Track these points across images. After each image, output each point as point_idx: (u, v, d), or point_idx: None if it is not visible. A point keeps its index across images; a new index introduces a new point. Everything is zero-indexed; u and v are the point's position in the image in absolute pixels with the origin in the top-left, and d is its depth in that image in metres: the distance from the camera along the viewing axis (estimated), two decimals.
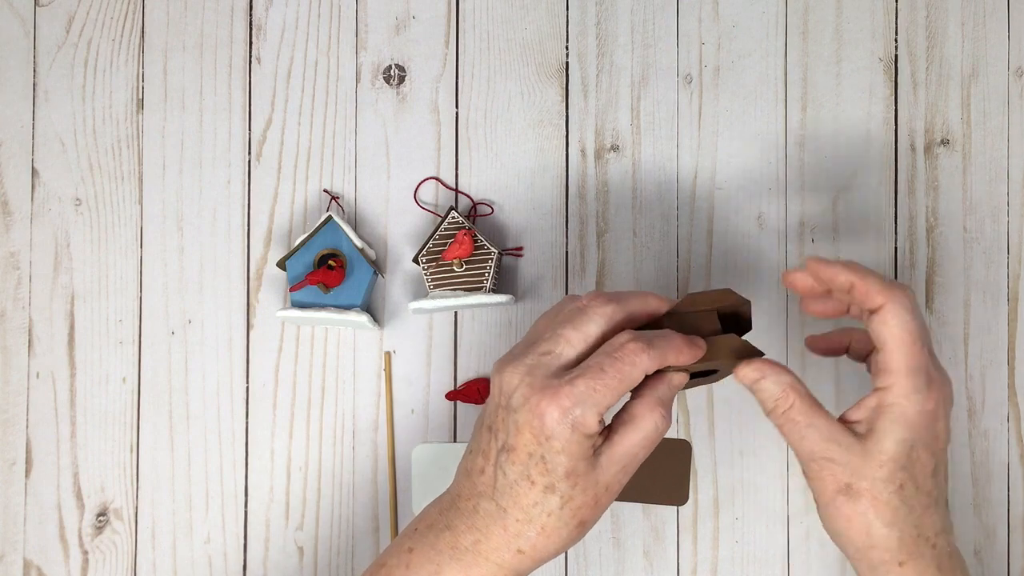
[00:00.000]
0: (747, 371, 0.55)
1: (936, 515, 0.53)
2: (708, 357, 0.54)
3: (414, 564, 0.54)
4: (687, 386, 0.57)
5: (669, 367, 0.54)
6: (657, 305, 0.56)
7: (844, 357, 0.62)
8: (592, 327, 0.53)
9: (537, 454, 0.51)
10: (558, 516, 0.52)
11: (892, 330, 0.52)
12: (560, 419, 0.50)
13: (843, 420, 0.54)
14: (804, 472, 0.55)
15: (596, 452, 0.52)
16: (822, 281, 0.55)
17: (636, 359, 0.51)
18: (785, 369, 0.54)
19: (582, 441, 0.51)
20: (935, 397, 0.52)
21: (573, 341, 0.53)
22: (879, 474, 0.52)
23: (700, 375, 0.57)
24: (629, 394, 0.54)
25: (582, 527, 0.53)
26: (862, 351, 0.60)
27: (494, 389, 0.53)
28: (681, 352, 0.53)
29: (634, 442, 0.53)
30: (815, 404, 0.54)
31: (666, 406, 0.53)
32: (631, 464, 0.53)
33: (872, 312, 0.53)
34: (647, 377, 0.53)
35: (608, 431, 0.53)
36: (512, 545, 0.52)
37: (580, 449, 0.51)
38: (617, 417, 0.54)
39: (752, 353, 0.55)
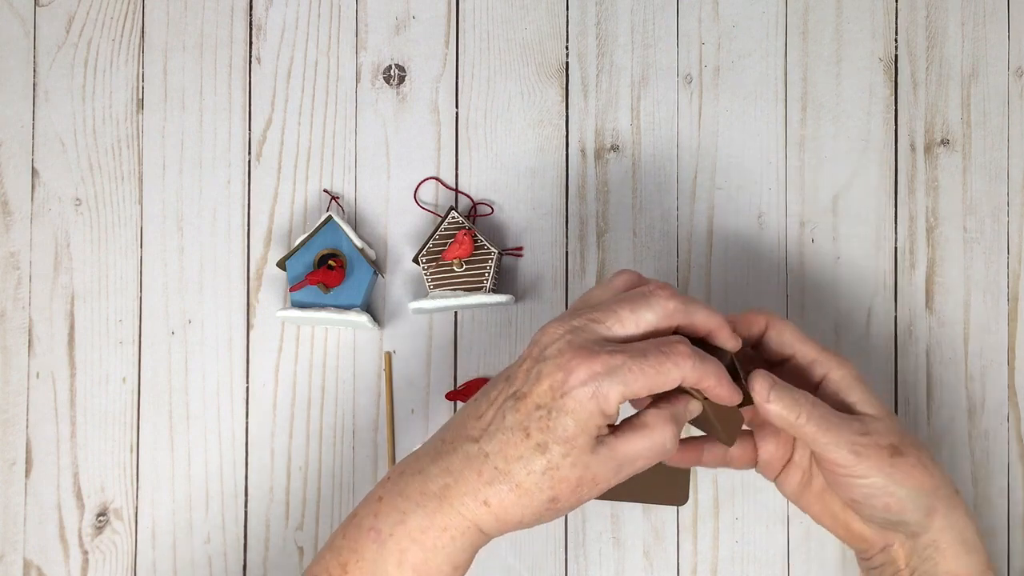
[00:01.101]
0: (770, 403, 0.54)
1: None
2: (722, 417, 0.55)
3: (381, 513, 0.52)
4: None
5: (693, 392, 0.53)
6: (719, 332, 0.55)
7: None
8: (649, 315, 0.52)
9: (545, 407, 0.50)
10: (536, 480, 0.50)
11: (794, 335, 0.58)
12: (585, 381, 0.49)
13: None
14: (846, 465, 0.55)
15: (599, 440, 0.51)
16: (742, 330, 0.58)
17: (681, 362, 0.51)
18: (791, 388, 0.55)
19: (594, 414, 0.50)
20: (836, 357, 0.57)
21: (625, 321, 0.52)
22: (893, 424, 0.56)
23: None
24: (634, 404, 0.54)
25: (553, 505, 0.51)
26: (716, 457, 0.60)
27: (531, 344, 0.52)
28: (721, 386, 0.52)
29: (638, 447, 0.52)
30: (829, 407, 0.55)
31: (679, 425, 0.53)
32: (626, 467, 0.52)
33: (766, 333, 0.58)
34: (667, 392, 0.52)
35: (615, 430, 0.52)
36: (480, 494, 0.50)
37: (588, 421, 0.50)
38: (627, 420, 0.53)
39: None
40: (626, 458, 0.51)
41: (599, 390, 0.49)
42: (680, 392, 0.53)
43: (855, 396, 0.57)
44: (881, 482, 0.55)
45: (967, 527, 0.56)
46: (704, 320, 0.54)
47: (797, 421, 0.54)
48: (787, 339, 0.57)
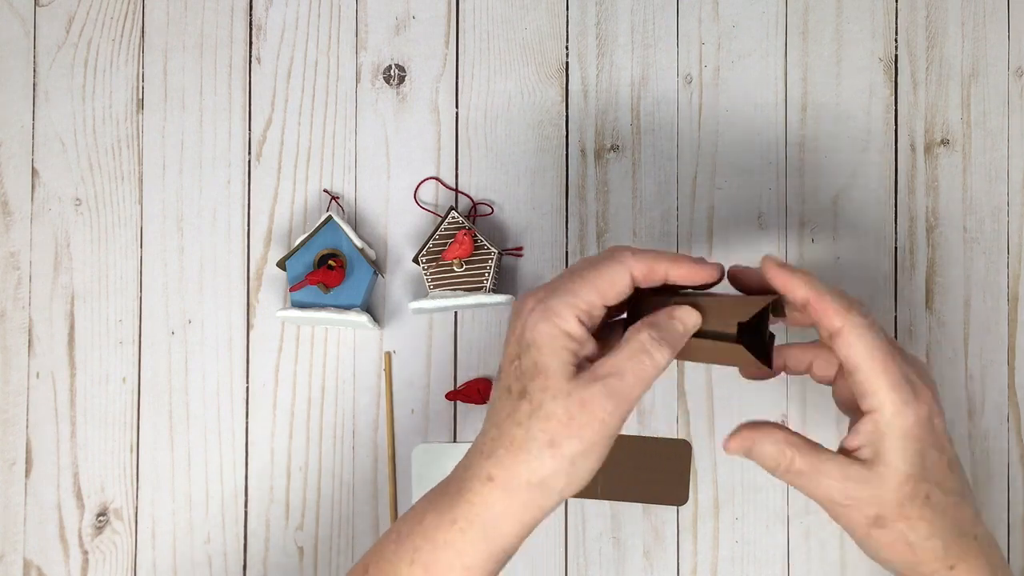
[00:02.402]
0: (734, 445, 0.52)
1: (967, 507, 0.51)
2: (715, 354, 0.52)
3: (406, 518, 0.52)
4: (706, 358, 0.53)
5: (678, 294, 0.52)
6: (681, 270, 0.52)
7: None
8: (606, 274, 0.51)
9: (514, 355, 0.49)
10: (526, 428, 0.48)
11: (861, 353, 0.50)
12: (533, 308, 0.49)
13: (845, 451, 0.52)
14: (829, 514, 0.52)
15: (578, 367, 0.49)
16: (778, 288, 0.52)
17: (619, 255, 0.50)
18: (772, 427, 0.52)
19: (555, 336, 0.48)
20: (925, 399, 0.50)
21: (588, 276, 0.51)
22: (902, 495, 0.50)
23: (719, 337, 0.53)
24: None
25: (554, 449, 0.48)
26: (826, 375, 0.56)
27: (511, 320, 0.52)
28: (679, 265, 0.50)
29: (621, 362, 0.49)
30: (815, 450, 0.51)
31: (665, 335, 0.50)
32: (619, 390, 0.48)
33: (832, 335, 0.51)
34: (654, 307, 0.51)
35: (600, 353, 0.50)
36: (483, 470, 0.49)
37: (552, 345, 0.48)
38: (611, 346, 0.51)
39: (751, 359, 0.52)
40: (613, 376, 0.48)
41: (548, 309, 0.48)
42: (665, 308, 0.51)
43: (888, 446, 0.50)
44: (861, 546, 0.52)
45: None
46: (664, 265, 0.51)
47: (787, 468, 0.51)
48: (853, 360, 0.50)
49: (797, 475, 0.51)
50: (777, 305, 0.53)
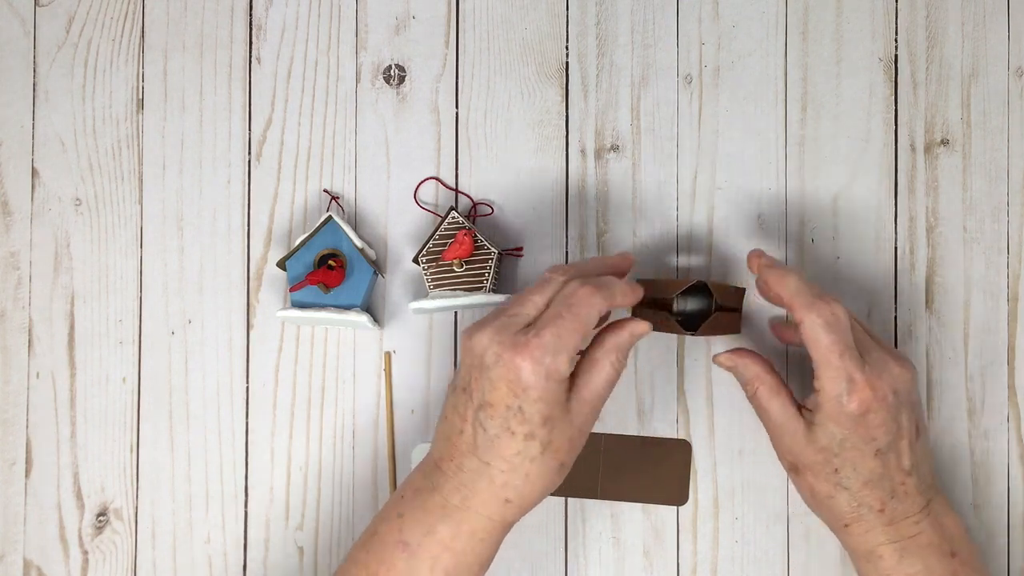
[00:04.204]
0: (723, 358, 0.63)
1: (879, 489, 0.58)
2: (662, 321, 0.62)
3: (406, 528, 0.57)
4: (679, 331, 0.63)
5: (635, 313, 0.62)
6: (616, 262, 0.62)
7: None
8: (549, 289, 0.58)
9: (515, 406, 0.54)
10: (540, 461, 0.55)
11: (809, 342, 0.58)
12: (534, 370, 0.54)
13: (803, 405, 0.60)
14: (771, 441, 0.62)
15: (568, 397, 0.56)
16: (762, 283, 0.62)
17: (590, 300, 0.56)
18: (757, 359, 0.62)
19: (556, 387, 0.55)
20: (861, 398, 0.57)
21: (537, 302, 0.57)
22: (816, 459, 0.59)
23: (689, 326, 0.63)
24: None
25: (562, 469, 0.57)
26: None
27: (465, 354, 0.57)
28: (626, 295, 0.59)
29: (598, 384, 0.57)
30: (779, 391, 0.61)
31: (622, 351, 0.58)
32: (598, 404, 0.58)
33: (797, 325, 0.59)
34: (610, 325, 0.59)
35: (573, 377, 0.57)
36: (500, 495, 0.56)
37: (555, 395, 0.55)
38: (579, 366, 0.58)
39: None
40: (593, 397, 0.57)
41: (549, 368, 0.54)
42: (620, 321, 0.59)
43: (818, 419, 0.59)
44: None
45: (868, 544, 0.59)
46: (596, 268, 0.61)
47: (751, 395, 0.62)
48: (809, 347, 0.58)
49: (757, 404, 0.61)
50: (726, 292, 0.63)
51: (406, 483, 0.59)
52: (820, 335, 0.57)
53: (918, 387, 0.61)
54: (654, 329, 0.62)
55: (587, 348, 0.59)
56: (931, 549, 0.59)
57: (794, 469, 0.61)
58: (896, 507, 0.59)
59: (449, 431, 0.57)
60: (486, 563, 0.58)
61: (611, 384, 0.58)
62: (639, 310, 0.64)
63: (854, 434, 0.58)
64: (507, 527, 0.57)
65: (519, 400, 0.54)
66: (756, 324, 0.69)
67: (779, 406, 0.60)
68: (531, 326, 0.56)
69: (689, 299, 0.63)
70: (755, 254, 0.63)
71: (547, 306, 0.57)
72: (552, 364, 0.54)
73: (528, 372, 0.54)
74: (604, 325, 0.60)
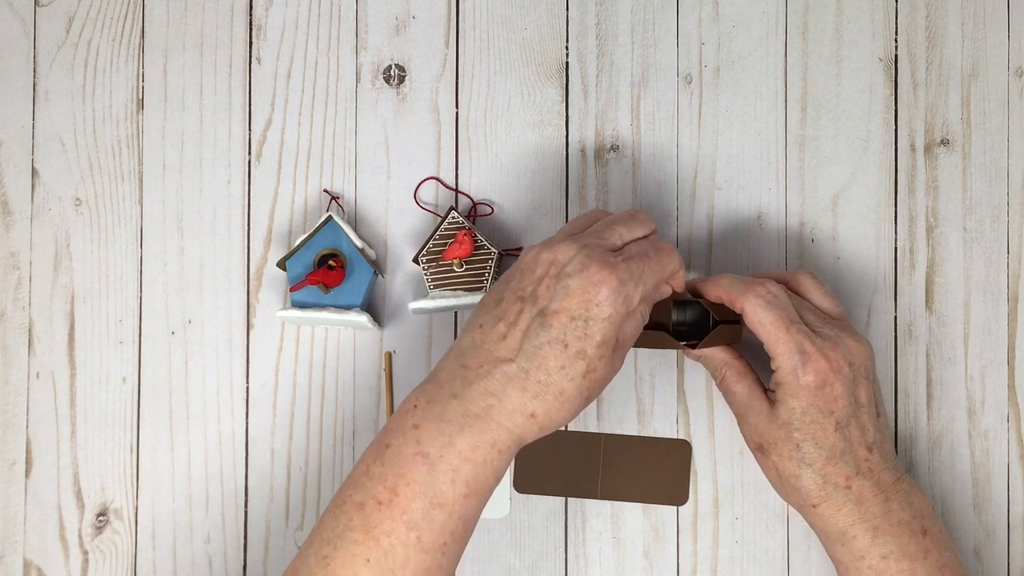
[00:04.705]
0: (693, 351, 0.64)
1: (842, 463, 0.59)
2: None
3: (424, 439, 0.54)
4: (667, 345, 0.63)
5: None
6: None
7: None
8: (640, 230, 0.60)
9: (581, 318, 0.54)
10: (577, 384, 0.55)
11: (755, 326, 0.60)
12: (616, 289, 0.55)
13: (768, 389, 0.62)
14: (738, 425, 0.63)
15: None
16: (702, 294, 0.63)
17: (672, 256, 0.59)
18: (724, 348, 0.63)
19: (622, 316, 0.55)
20: (813, 369, 0.58)
21: (624, 236, 0.58)
22: (779, 435, 0.60)
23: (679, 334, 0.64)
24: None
25: (587, 402, 0.56)
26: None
27: (535, 264, 0.57)
28: (680, 283, 0.61)
29: (630, 331, 0.58)
30: (745, 375, 0.62)
31: (648, 305, 0.59)
32: (625, 352, 0.58)
33: (743, 316, 0.60)
34: None
35: None
36: (527, 407, 0.54)
37: (618, 323, 0.55)
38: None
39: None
40: (627, 342, 0.58)
41: (628, 294, 0.55)
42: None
43: (779, 396, 0.60)
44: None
45: (840, 525, 0.60)
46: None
47: (719, 382, 0.64)
48: (756, 331, 0.60)
49: (724, 389, 0.63)
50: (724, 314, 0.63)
51: (416, 394, 0.56)
52: (761, 314, 0.59)
53: (875, 366, 0.62)
54: (654, 347, 0.63)
55: None
56: (903, 527, 0.59)
57: (760, 449, 0.61)
58: (863, 484, 0.59)
59: (483, 339, 0.56)
60: (500, 477, 0.56)
61: (637, 334, 0.59)
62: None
63: (812, 406, 0.59)
64: (521, 445, 0.56)
65: (588, 313, 0.54)
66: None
67: (745, 387, 0.62)
68: (617, 252, 0.57)
69: (687, 310, 0.63)
70: (690, 283, 0.64)
71: (631, 240, 0.58)
72: (631, 292, 0.55)
73: (609, 290, 0.54)
74: None
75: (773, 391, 0.61)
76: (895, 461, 0.61)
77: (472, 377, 0.55)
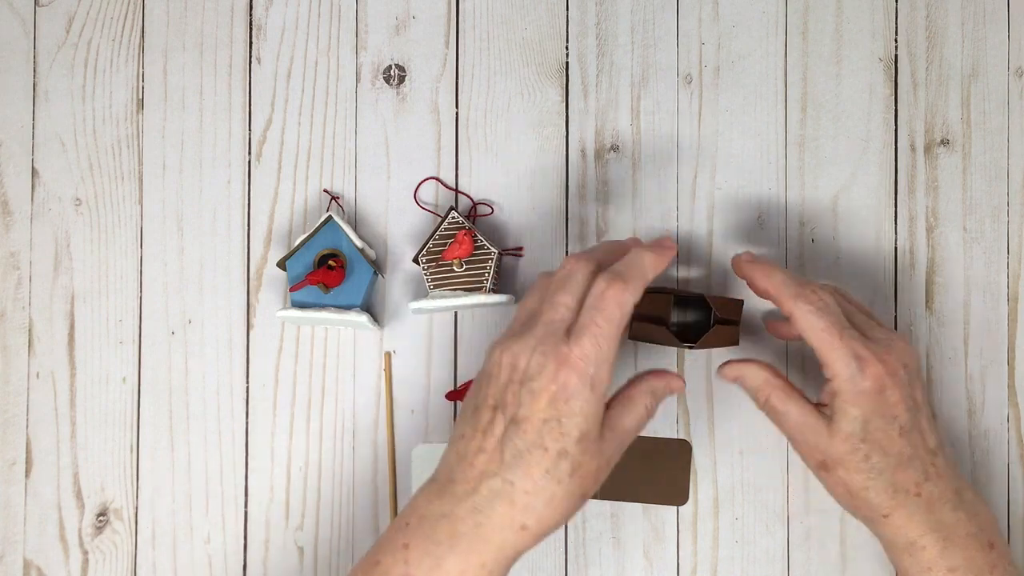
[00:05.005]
0: (727, 371, 0.62)
1: (911, 470, 0.58)
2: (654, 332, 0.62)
3: (412, 560, 0.54)
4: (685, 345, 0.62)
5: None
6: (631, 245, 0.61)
7: None
8: (580, 287, 0.57)
9: (553, 418, 0.53)
10: (567, 485, 0.53)
11: (806, 332, 0.58)
12: (580, 380, 0.53)
13: (819, 403, 0.60)
14: (793, 447, 0.61)
15: (603, 425, 0.55)
16: (746, 280, 0.62)
17: (622, 300, 0.55)
18: (762, 365, 0.61)
19: (597, 402, 0.54)
20: (871, 373, 0.57)
21: (569, 304, 0.56)
22: (843, 449, 0.58)
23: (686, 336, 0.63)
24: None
25: (583, 499, 0.55)
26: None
27: (496, 368, 0.55)
28: (657, 265, 0.58)
29: (630, 421, 0.57)
30: (791, 393, 0.60)
31: (657, 398, 0.59)
32: (626, 441, 0.57)
33: (789, 319, 0.59)
34: (653, 372, 0.59)
35: (608, 411, 0.56)
36: (517, 521, 0.53)
37: (594, 411, 0.54)
38: (615, 398, 0.58)
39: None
40: (624, 433, 0.57)
41: (594, 378, 0.54)
42: (659, 371, 0.60)
43: (837, 407, 0.58)
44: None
45: (910, 535, 0.58)
46: (613, 252, 0.60)
47: (763, 403, 0.61)
48: (808, 338, 0.59)
49: (770, 411, 0.60)
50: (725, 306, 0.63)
51: (410, 509, 0.56)
52: (813, 321, 0.58)
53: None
54: (652, 342, 0.63)
55: (625, 386, 0.59)
56: (971, 540, 0.58)
57: (823, 467, 0.59)
58: (932, 490, 0.58)
59: (465, 451, 0.55)
60: None
61: (641, 426, 0.58)
62: (637, 324, 0.63)
63: (875, 414, 0.57)
64: (514, 560, 0.55)
65: (559, 412, 0.53)
66: (755, 331, 0.69)
67: (795, 406, 0.59)
68: (568, 332, 0.55)
69: (687, 310, 0.63)
70: (739, 259, 0.63)
71: (577, 303, 0.56)
72: (596, 374, 0.53)
73: (575, 383, 0.53)
74: (648, 372, 0.60)
75: (826, 404, 0.59)
76: (957, 467, 0.60)
77: (460, 494, 0.54)
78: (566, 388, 0.53)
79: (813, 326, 0.58)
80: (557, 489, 0.53)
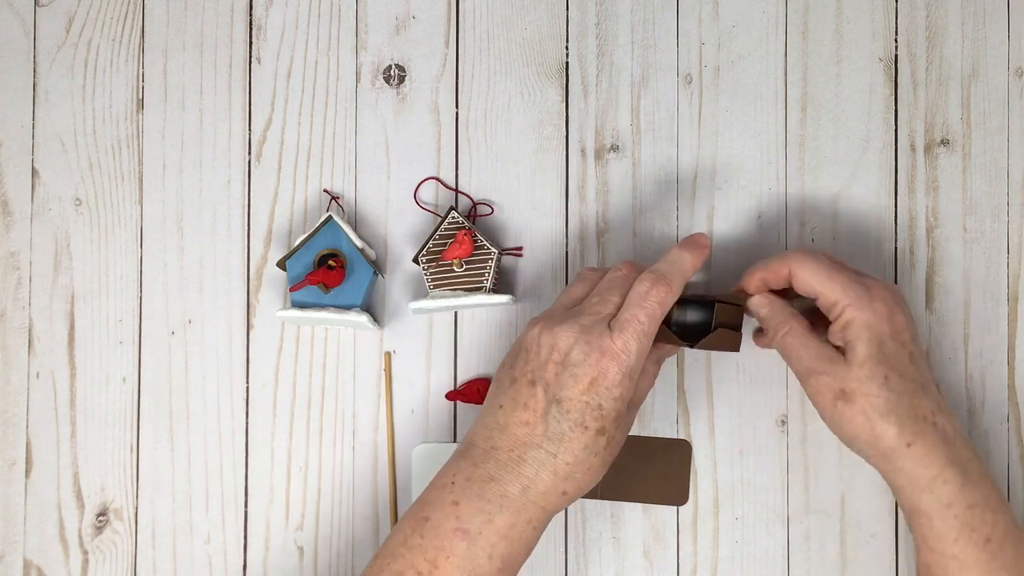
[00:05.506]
0: (755, 302, 0.63)
1: (926, 398, 0.59)
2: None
3: (464, 515, 0.58)
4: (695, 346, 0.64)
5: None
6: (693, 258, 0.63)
7: None
8: (627, 286, 0.61)
9: (594, 403, 0.58)
10: (602, 456, 0.59)
11: (811, 277, 0.60)
12: (620, 371, 0.58)
13: (830, 342, 0.61)
14: (806, 392, 0.61)
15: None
16: (768, 284, 0.64)
17: (664, 299, 0.60)
18: (787, 303, 0.63)
19: (631, 387, 0.59)
20: (880, 297, 0.60)
21: (615, 301, 0.60)
22: (863, 373, 0.58)
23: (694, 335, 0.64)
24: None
25: (607, 466, 0.60)
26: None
27: (537, 345, 0.59)
28: (695, 263, 0.62)
29: (644, 390, 0.63)
30: (809, 329, 0.61)
31: (660, 365, 0.65)
32: (638, 408, 0.63)
33: (792, 281, 0.62)
34: (657, 343, 0.62)
35: None
36: (559, 487, 0.58)
37: (628, 395, 0.59)
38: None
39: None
40: (640, 400, 0.63)
41: (633, 369, 0.58)
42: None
43: (851, 335, 0.59)
44: (827, 420, 0.61)
45: (932, 469, 0.58)
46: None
47: (778, 334, 0.62)
48: (809, 283, 0.61)
49: (787, 344, 0.61)
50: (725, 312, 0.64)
51: (454, 470, 0.59)
52: (809, 263, 0.60)
53: None
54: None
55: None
56: (985, 480, 0.59)
57: (843, 397, 0.59)
58: (945, 422, 0.59)
59: (507, 422, 0.59)
60: (532, 549, 0.60)
61: (648, 391, 0.64)
62: None
63: (888, 336, 0.59)
64: (554, 515, 0.60)
65: (600, 397, 0.57)
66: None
67: (815, 340, 0.61)
68: (610, 325, 0.59)
69: (688, 310, 0.63)
70: (749, 281, 0.64)
71: (622, 301, 0.60)
72: (635, 365, 0.58)
73: (615, 372, 0.57)
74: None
75: (840, 334, 0.60)
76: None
77: (506, 460, 0.58)
78: (607, 376, 0.57)
79: (814, 268, 0.60)
80: (594, 460, 0.58)
